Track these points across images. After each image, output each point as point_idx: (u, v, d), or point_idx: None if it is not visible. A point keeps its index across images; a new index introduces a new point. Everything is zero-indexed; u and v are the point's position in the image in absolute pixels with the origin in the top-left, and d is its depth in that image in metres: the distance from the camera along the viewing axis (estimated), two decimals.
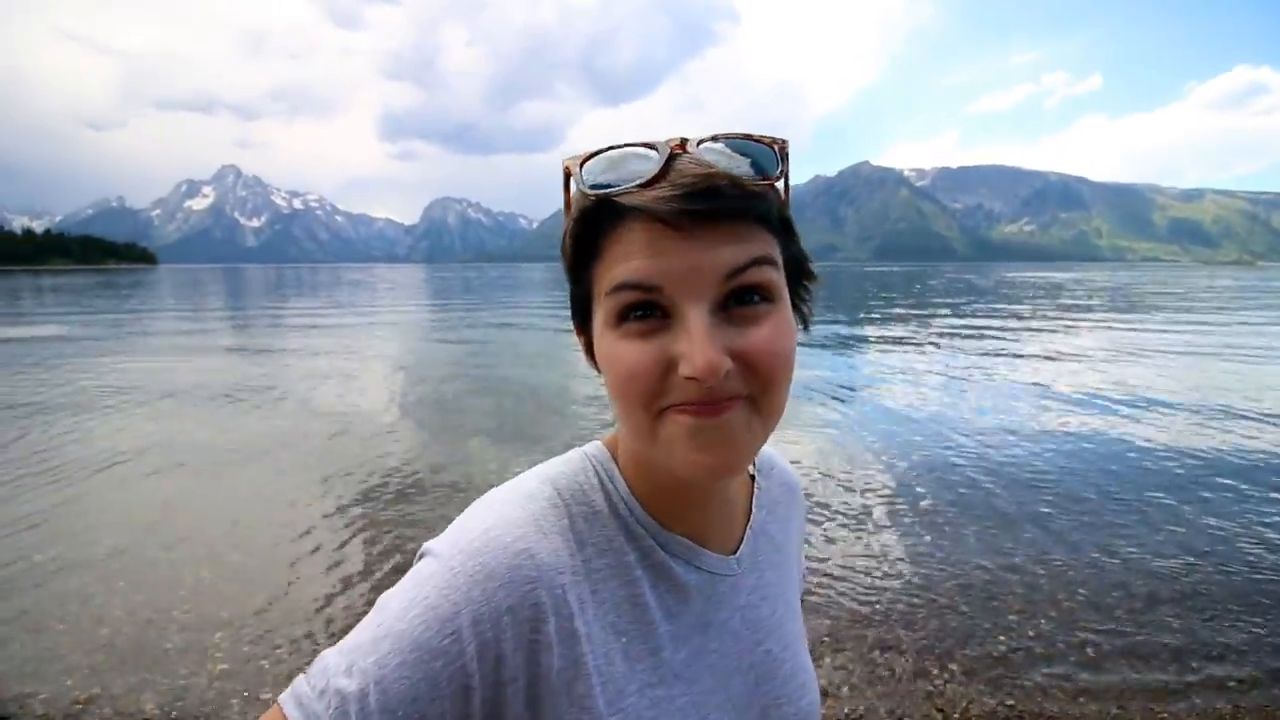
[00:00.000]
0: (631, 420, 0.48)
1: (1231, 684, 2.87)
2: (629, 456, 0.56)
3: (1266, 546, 4.17)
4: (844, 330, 17.22)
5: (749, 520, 0.63)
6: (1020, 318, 21.45)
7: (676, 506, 0.56)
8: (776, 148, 0.47)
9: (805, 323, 0.55)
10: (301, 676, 0.48)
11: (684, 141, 0.46)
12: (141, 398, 8.64)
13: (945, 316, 21.98)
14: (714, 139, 0.47)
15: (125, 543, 4.25)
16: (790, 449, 6.32)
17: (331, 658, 0.47)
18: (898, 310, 24.92)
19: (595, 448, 0.59)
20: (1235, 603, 3.51)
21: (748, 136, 0.47)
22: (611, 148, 0.46)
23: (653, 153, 0.45)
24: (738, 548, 0.60)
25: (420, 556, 0.52)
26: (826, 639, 3.20)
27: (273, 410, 7.99)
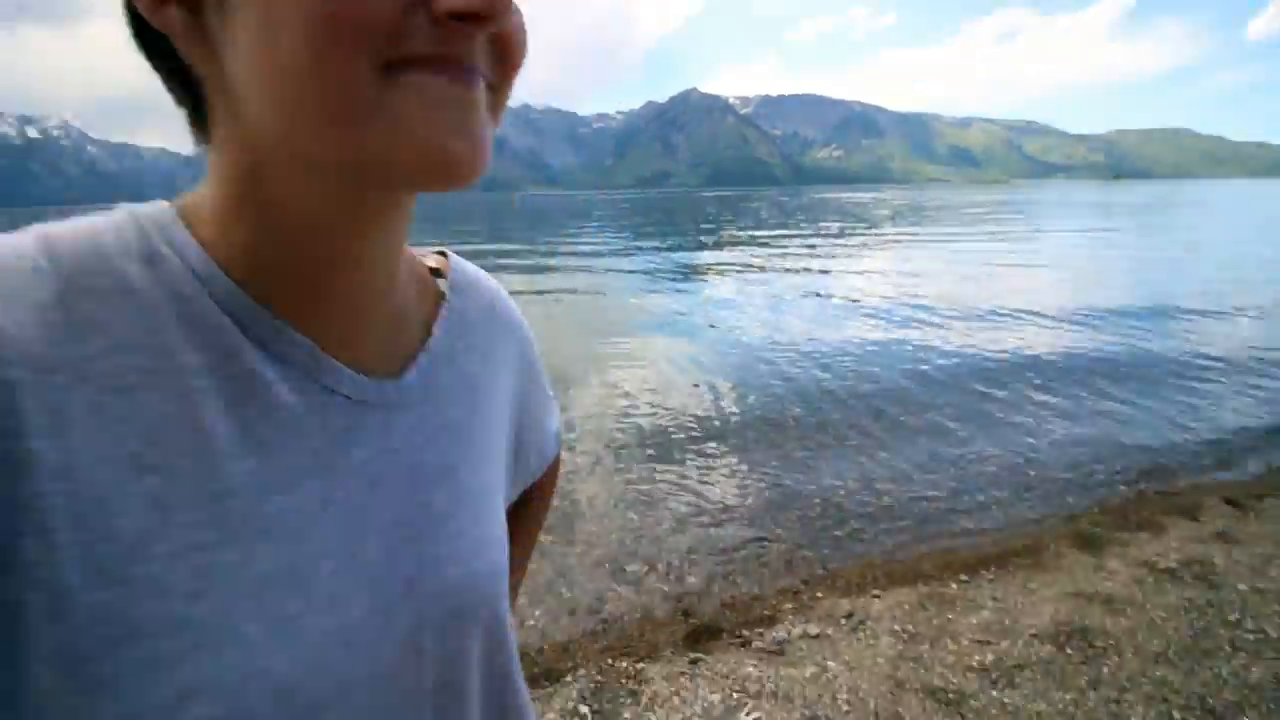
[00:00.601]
0: (335, 79, 0.31)
1: (1029, 523, 3.55)
2: (230, 203, 0.37)
3: (1037, 419, 5.14)
4: (682, 257, 17.84)
5: (426, 342, 0.47)
6: (834, 236, 23.66)
7: (301, 288, 0.37)
8: None
9: None
10: None
11: None
12: None
13: (772, 239, 23.56)
14: None
15: None
16: (635, 375, 6.54)
17: None
18: (729, 233, 26.25)
19: (150, 206, 0.39)
20: (1023, 458, 4.30)
21: None
22: None
23: None
24: (402, 372, 0.44)
25: None
26: (690, 534, 3.45)
27: None
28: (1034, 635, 2.34)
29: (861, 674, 2.19)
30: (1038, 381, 5.77)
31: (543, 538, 3.40)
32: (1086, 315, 8.40)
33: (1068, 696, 2.04)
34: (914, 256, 16.27)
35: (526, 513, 0.67)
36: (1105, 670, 2.15)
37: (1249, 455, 4.25)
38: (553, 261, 17.01)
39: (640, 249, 20.20)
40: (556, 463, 0.68)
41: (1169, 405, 5.15)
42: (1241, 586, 2.59)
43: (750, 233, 25.97)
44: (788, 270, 13.90)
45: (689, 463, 4.23)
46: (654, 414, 5.11)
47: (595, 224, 36.66)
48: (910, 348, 7.00)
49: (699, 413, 5.13)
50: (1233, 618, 2.39)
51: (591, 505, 3.70)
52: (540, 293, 10.94)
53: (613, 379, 6.06)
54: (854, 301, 9.91)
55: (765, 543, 3.28)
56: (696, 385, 5.84)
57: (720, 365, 6.46)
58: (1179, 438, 4.52)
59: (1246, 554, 2.87)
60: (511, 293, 0.56)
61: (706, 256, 17.56)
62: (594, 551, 3.25)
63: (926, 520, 3.47)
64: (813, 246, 19.42)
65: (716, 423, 4.93)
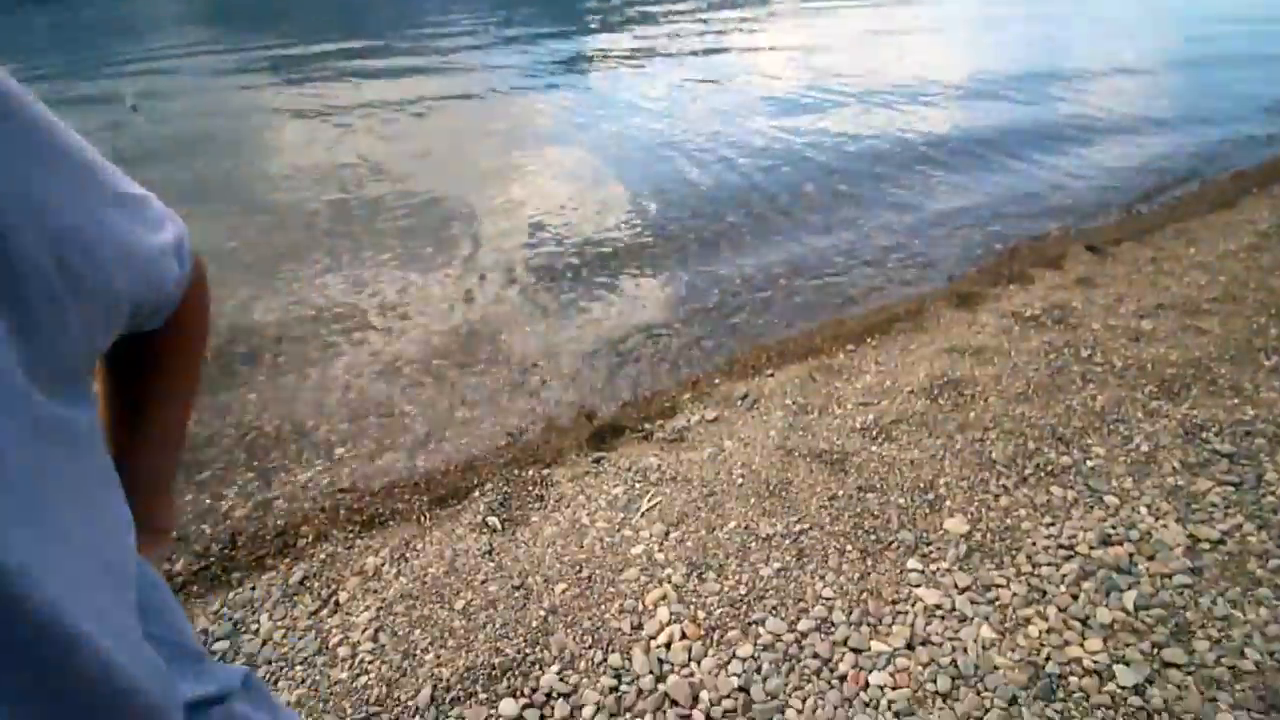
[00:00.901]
0: None
1: (915, 291, 3.66)
2: None
3: (927, 193, 5.17)
4: (568, 46, 15.92)
5: None
6: (728, 8, 21.67)
7: None
8: None
9: None
10: None
11: None
12: None
13: (664, 16, 21.34)
14: None
15: None
16: (529, 189, 6.03)
17: None
18: (618, 11, 23.54)
19: None
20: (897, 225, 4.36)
21: None
22: None
23: None
24: None
25: None
26: (591, 340, 3.37)
27: None
28: (911, 392, 2.49)
29: (755, 448, 2.29)
30: (929, 156, 5.73)
31: (440, 362, 3.23)
32: (984, 84, 8.26)
33: (938, 442, 2.21)
34: (813, 27, 15.28)
35: (163, 357, 0.49)
36: (972, 415, 2.33)
37: (1113, 205, 4.50)
38: (419, 61, 14.76)
39: (519, 38, 17.82)
40: (196, 287, 0.47)
41: (1052, 164, 5.31)
42: (1095, 325, 2.82)
43: (639, 9, 23.35)
44: (683, 53, 12.72)
45: (587, 273, 4.04)
46: (550, 229, 4.77)
47: (462, 8, 31.73)
48: (811, 132, 6.71)
49: (597, 223, 4.83)
50: (1085, 354, 2.61)
51: (489, 326, 3.52)
52: (409, 101, 9.55)
53: (505, 196, 5.54)
54: (752, 86, 9.29)
55: (665, 339, 3.26)
56: (594, 195, 5.45)
57: (618, 172, 6.00)
58: (1054, 196, 4.70)
59: (1101, 295, 3.10)
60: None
61: (595, 43, 15.74)
62: (495, 370, 3.14)
63: (819, 299, 3.54)
64: (706, 22, 17.77)
65: (615, 231, 4.67)
